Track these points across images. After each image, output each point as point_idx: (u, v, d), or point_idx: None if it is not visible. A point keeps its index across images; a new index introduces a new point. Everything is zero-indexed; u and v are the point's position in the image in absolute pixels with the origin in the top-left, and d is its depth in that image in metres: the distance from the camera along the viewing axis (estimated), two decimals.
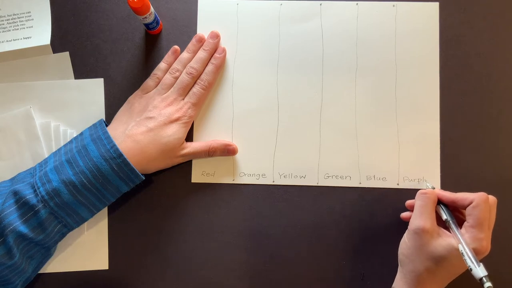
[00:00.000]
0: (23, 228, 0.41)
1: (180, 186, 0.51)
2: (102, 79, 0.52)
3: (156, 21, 0.51)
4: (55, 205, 0.42)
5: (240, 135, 0.51)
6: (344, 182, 0.50)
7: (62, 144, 0.50)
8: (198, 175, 0.51)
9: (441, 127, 0.51)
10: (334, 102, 0.51)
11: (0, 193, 0.43)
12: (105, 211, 0.50)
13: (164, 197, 0.50)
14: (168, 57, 0.51)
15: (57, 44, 0.52)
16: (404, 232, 0.45)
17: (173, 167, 0.50)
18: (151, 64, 0.52)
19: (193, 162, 0.51)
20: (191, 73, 0.49)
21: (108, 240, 0.50)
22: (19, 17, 0.52)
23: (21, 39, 0.52)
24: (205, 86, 0.49)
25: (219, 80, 0.52)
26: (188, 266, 0.50)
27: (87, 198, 0.43)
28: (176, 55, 0.51)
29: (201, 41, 0.51)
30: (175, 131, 0.47)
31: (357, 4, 0.52)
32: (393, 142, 0.51)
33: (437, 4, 0.52)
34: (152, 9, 0.49)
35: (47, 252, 0.45)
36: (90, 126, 0.48)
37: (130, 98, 0.50)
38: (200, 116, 0.52)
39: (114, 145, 0.44)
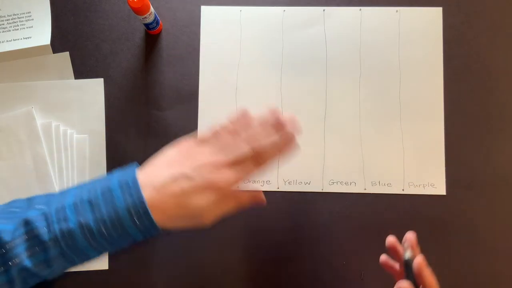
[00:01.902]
0: (28, 262, 0.39)
1: None
2: (102, 79, 0.52)
3: (156, 21, 0.51)
4: (66, 246, 0.40)
5: None
6: (349, 188, 0.50)
7: (62, 144, 0.51)
8: None
9: (445, 132, 0.51)
10: (338, 108, 0.51)
11: (15, 216, 0.41)
12: None
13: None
14: (236, 119, 0.46)
15: (57, 44, 0.52)
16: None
17: None
18: (151, 64, 0.52)
19: None
20: (254, 148, 0.44)
21: None
22: (19, 17, 0.52)
23: (21, 39, 0.52)
24: (261, 166, 0.44)
25: (222, 86, 0.52)
26: (189, 267, 0.50)
27: (100, 244, 0.42)
28: (246, 121, 0.45)
29: (278, 121, 0.45)
30: (207, 200, 0.42)
31: (360, 9, 0.52)
32: (398, 147, 0.51)
33: (440, 9, 0.52)
34: (152, 9, 0.48)
35: (44, 280, 0.43)
36: (121, 169, 0.44)
37: (182, 142, 0.45)
38: (204, 123, 0.51)
39: (143, 201, 0.40)
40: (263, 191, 0.49)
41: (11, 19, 0.52)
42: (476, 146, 0.50)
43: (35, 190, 0.50)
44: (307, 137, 0.51)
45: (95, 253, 0.43)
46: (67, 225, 0.40)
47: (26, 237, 0.40)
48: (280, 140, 0.45)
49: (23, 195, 0.48)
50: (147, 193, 0.41)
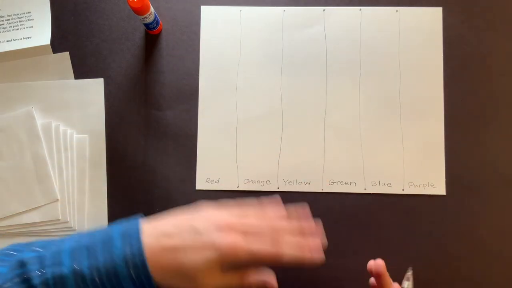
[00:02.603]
0: None
1: (184, 193, 0.51)
2: (102, 79, 0.52)
3: (156, 21, 0.51)
4: None
5: (244, 141, 0.51)
6: (349, 188, 0.50)
7: (62, 144, 0.51)
8: (203, 182, 0.51)
9: (445, 132, 0.51)
10: (338, 108, 0.51)
11: (11, 258, 0.40)
12: (105, 214, 0.50)
13: (168, 204, 0.50)
14: (265, 202, 0.42)
15: (57, 44, 0.52)
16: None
17: (176, 174, 0.50)
18: (151, 64, 0.52)
19: (197, 168, 0.51)
20: (272, 237, 0.39)
21: None
22: (19, 17, 0.52)
23: (21, 39, 0.52)
24: (276, 252, 0.39)
25: (223, 86, 0.52)
26: None
27: None
28: (275, 210, 0.42)
29: (309, 222, 0.41)
30: (203, 261, 0.37)
31: (360, 9, 0.52)
32: (398, 147, 0.51)
33: (440, 9, 0.52)
34: (152, 9, 0.48)
35: None
36: (128, 219, 0.41)
37: (204, 204, 0.41)
38: (204, 123, 0.51)
39: (142, 254, 0.37)
40: (263, 191, 0.49)
41: (11, 19, 0.52)
42: (476, 146, 0.50)
43: (35, 190, 0.50)
44: (307, 137, 0.51)
45: None
46: (60, 270, 0.38)
47: (18, 280, 0.38)
48: (304, 243, 0.40)
49: (23, 195, 0.49)
50: (147, 242, 0.38)
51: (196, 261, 0.37)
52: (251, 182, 0.51)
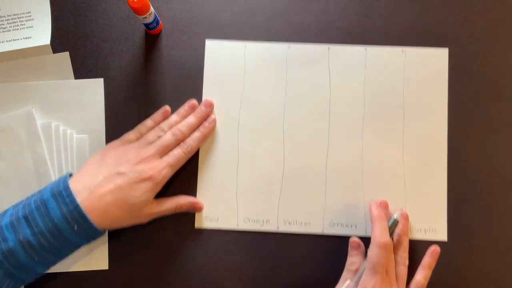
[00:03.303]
0: None
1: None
2: (102, 79, 0.52)
3: (156, 21, 0.51)
4: (10, 265, 0.40)
5: (245, 179, 0.50)
6: (349, 230, 0.49)
7: (62, 144, 0.51)
8: (201, 220, 0.50)
9: (448, 177, 0.50)
10: (341, 148, 0.51)
11: None
12: None
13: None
14: (156, 115, 0.50)
15: (57, 44, 0.52)
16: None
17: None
18: (151, 64, 0.52)
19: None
20: (176, 135, 0.47)
21: (108, 240, 0.50)
22: (19, 17, 0.52)
23: (21, 39, 0.52)
24: (187, 150, 0.47)
25: (225, 121, 0.51)
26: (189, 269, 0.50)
27: (45, 258, 0.41)
28: (165, 116, 0.50)
29: (193, 107, 0.50)
30: (143, 192, 0.44)
31: (365, 48, 0.52)
32: (400, 191, 0.50)
33: (446, 50, 0.51)
34: (152, 9, 0.48)
35: None
36: (54, 181, 0.45)
37: (106, 146, 0.48)
38: (205, 158, 0.51)
39: (78, 205, 0.41)
40: (262, 231, 0.50)
41: (11, 19, 0.52)
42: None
43: (35, 190, 0.49)
44: (309, 177, 0.50)
45: (42, 267, 0.42)
46: (6, 245, 0.39)
47: None
48: (197, 121, 0.49)
49: (23, 195, 0.49)
50: (83, 197, 0.42)
51: (136, 195, 0.43)
52: (251, 221, 0.50)
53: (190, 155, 0.48)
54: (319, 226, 0.50)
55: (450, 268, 0.49)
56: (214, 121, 0.50)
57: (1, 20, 0.52)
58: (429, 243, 0.49)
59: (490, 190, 0.50)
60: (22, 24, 0.52)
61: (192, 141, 0.48)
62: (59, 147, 0.51)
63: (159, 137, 0.47)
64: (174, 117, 0.49)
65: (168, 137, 0.47)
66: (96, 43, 0.53)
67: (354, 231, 0.49)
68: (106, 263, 0.50)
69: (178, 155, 0.47)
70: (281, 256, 0.49)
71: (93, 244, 0.49)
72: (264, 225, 0.50)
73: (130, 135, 0.48)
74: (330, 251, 0.49)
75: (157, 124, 0.49)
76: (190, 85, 0.52)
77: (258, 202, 0.50)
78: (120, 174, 0.44)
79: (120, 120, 0.51)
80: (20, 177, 0.50)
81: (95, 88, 0.52)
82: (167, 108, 0.50)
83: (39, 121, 0.51)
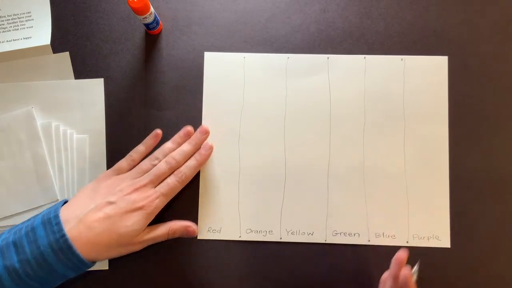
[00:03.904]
0: None
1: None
2: (102, 79, 0.52)
3: (156, 21, 0.51)
4: None
5: (246, 190, 0.50)
6: (352, 239, 0.49)
7: (62, 144, 0.51)
8: (204, 231, 0.50)
9: (450, 184, 0.50)
10: (342, 157, 0.50)
11: None
12: None
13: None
14: (147, 140, 0.49)
15: (57, 44, 0.52)
16: None
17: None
18: (151, 64, 0.52)
19: (199, 217, 0.50)
20: (169, 163, 0.46)
21: None
22: (19, 17, 0.52)
23: (21, 39, 0.52)
24: (182, 179, 0.46)
25: (225, 133, 0.51)
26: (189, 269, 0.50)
27: (30, 285, 0.41)
28: (157, 139, 0.49)
29: (188, 135, 0.49)
30: (134, 222, 0.43)
31: (364, 58, 0.52)
32: (402, 198, 0.50)
33: (446, 58, 0.51)
34: (152, 9, 0.48)
35: None
36: (49, 207, 0.45)
37: (100, 176, 0.47)
38: (207, 171, 0.51)
39: (64, 235, 0.40)
40: (265, 241, 0.50)
41: (11, 19, 0.52)
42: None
43: (35, 190, 0.50)
44: (311, 187, 0.50)
45: None
46: None
47: None
48: (193, 148, 0.48)
49: (23, 195, 0.49)
50: (71, 226, 0.41)
51: (126, 225, 0.43)
52: (253, 232, 0.50)
53: (184, 184, 0.47)
54: (322, 236, 0.50)
55: (454, 274, 0.49)
56: (211, 148, 0.50)
57: (1, 20, 0.52)
58: (432, 250, 0.49)
59: (493, 196, 0.50)
60: (22, 24, 0.52)
61: (186, 169, 0.47)
62: (59, 147, 0.51)
63: (153, 165, 0.46)
64: (168, 145, 0.48)
65: (162, 166, 0.46)
66: (96, 43, 0.53)
67: (357, 240, 0.49)
68: (106, 263, 0.50)
69: (172, 184, 0.46)
70: (284, 266, 0.49)
71: None
72: (267, 236, 0.50)
73: (123, 163, 0.47)
74: (334, 260, 0.49)
75: (149, 148, 0.48)
76: (190, 85, 0.52)
77: (260, 212, 0.50)
78: (111, 203, 0.43)
79: (120, 120, 0.51)
80: (20, 177, 0.50)
81: (95, 88, 0.52)
82: (158, 131, 0.49)
83: (39, 121, 0.51)
